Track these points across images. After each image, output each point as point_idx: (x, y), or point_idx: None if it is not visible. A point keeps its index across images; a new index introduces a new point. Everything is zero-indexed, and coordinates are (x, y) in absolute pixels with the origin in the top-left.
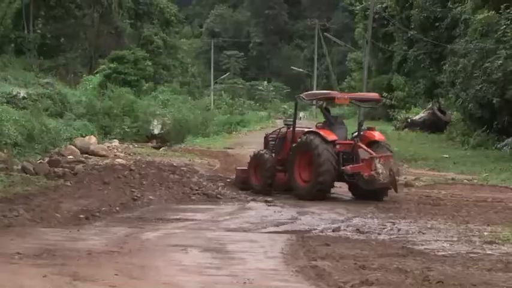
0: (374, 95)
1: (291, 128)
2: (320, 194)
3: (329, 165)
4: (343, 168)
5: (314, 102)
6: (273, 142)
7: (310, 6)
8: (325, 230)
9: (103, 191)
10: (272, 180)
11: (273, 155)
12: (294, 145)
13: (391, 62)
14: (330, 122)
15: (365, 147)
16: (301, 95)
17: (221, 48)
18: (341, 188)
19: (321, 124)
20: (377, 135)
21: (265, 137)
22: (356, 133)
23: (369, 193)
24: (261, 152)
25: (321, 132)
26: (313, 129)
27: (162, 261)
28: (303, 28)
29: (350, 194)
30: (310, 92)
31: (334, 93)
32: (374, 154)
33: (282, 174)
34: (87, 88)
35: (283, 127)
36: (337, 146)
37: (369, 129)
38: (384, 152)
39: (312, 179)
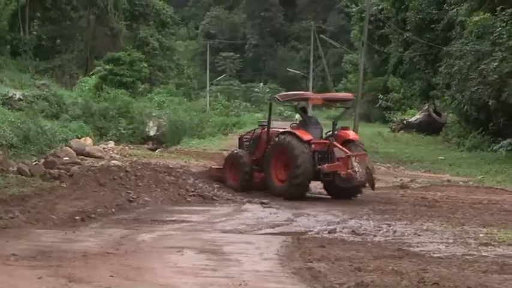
0: (346, 94)
1: (266, 129)
2: (296, 193)
3: (305, 165)
4: (320, 167)
5: (288, 103)
6: (248, 142)
7: (306, 8)
8: (320, 232)
9: (99, 193)
10: (249, 178)
11: (249, 154)
12: (270, 145)
13: (387, 63)
14: (305, 122)
15: (340, 146)
16: (275, 96)
17: (217, 50)
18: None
19: (295, 124)
20: (351, 134)
21: (239, 138)
22: (331, 132)
23: (344, 191)
24: (237, 151)
25: (297, 132)
26: (289, 129)
27: (158, 262)
28: (299, 30)
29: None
30: (284, 93)
31: (307, 94)
32: (350, 153)
33: (258, 173)
34: (83, 89)
35: (258, 128)
36: (313, 146)
37: (343, 128)
38: (358, 150)
39: (288, 178)
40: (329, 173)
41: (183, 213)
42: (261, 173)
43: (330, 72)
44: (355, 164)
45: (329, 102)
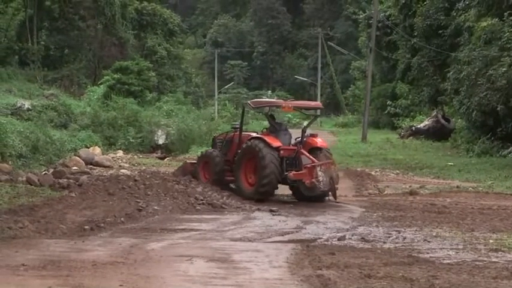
0: (316, 103)
1: (238, 132)
2: (263, 197)
3: (273, 171)
4: (286, 173)
5: (259, 110)
6: (221, 143)
7: (314, 16)
8: (330, 239)
9: (108, 202)
10: (220, 178)
11: (222, 155)
12: (240, 149)
13: (394, 70)
14: (275, 128)
15: (307, 154)
16: (248, 101)
17: (225, 58)
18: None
19: (266, 130)
20: (319, 142)
21: (213, 139)
22: (299, 139)
23: (309, 197)
24: (211, 151)
25: (266, 138)
26: (259, 135)
27: (168, 271)
28: (307, 37)
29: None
30: (257, 99)
31: (279, 101)
32: (316, 162)
33: (229, 172)
34: (91, 99)
35: (231, 130)
36: (281, 152)
37: (312, 136)
38: (325, 158)
39: (256, 182)
40: (295, 180)
41: (192, 221)
42: (232, 172)
43: (338, 79)
44: (319, 173)
45: (300, 110)
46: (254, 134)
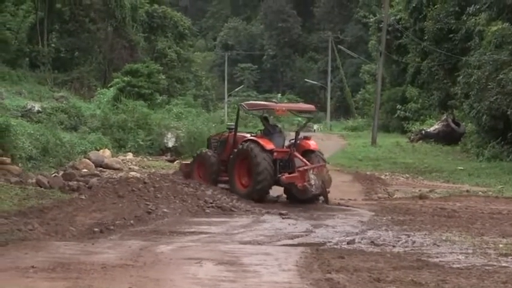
0: (309, 106)
1: (233, 132)
2: (257, 197)
3: (266, 173)
4: (279, 176)
5: (254, 112)
6: (216, 144)
7: (324, 19)
8: (339, 243)
9: (117, 204)
10: (215, 177)
11: (217, 155)
12: (234, 151)
13: (404, 73)
14: (269, 131)
15: (300, 157)
16: (242, 103)
17: (235, 61)
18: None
19: (260, 133)
20: (312, 144)
21: (208, 139)
22: (293, 141)
23: (301, 199)
24: (206, 151)
25: (260, 140)
26: (253, 137)
27: (177, 274)
28: (317, 41)
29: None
30: (251, 102)
31: (272, 104)
32: (309, 165)
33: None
34: (101, 101)
35: (226, 131)
36: (275, 154)
37: (305, 138)
38: (317, 161)
39: (250, 184)
40: (288, 183)
41: (201, 224)
42: (226, 173)
43: (348, 82)
44: (311, 176)
45: (294, 113)
46: (249, 136)
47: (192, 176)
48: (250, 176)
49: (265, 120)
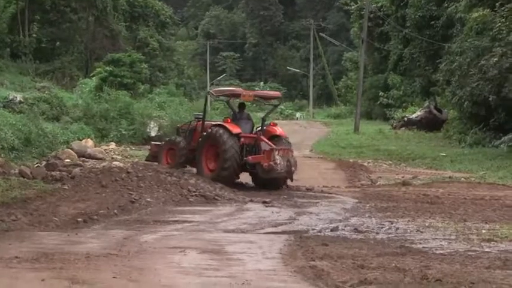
0: (275, 93)
1: (201, 121)
2: (224, 181)
3: (233, 157)
4: (246, 158)
5: (221, 98)
6: (184, 133)
7: (306, 7)
8: (323, 230)
9: (101, 194)
10: (183, 162)
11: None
12: (203, 134)
13: (387, 61)
14: (236, 117)
15: (266, 140)
16: (210, 90)
17: (217, 50)
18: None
19: (228, 118)
20: (278, 130)
21: (177, 128)
22: (260, 127)
23: (268, 182)
24: (178, 139)
25: (227, 125)
26: (220, 122)
27: (161, 263)
28: (299, 28)
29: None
30: (218, 88)
31: (239, 90)
32: (274, 146)
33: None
34: (84, 91)
35: (194, 120)
36: (242, 139)
37: (272, 124)
38: (283, 145)
39: (217, 169)
40: (253, 164)
41: (185, 213)
42: (194, 162)
43: (330, 70)
44: (277, 157)
45: (260, 99)
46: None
47: (159, 158)
48: (217, 161)
49: (239, 107)
